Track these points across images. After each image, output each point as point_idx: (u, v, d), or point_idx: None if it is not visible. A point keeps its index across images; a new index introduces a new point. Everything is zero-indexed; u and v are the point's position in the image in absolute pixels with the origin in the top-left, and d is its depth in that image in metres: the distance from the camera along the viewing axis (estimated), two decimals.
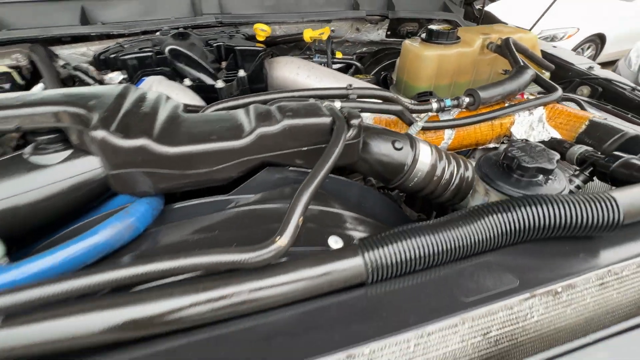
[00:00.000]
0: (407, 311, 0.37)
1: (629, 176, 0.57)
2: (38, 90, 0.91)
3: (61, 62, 0.95)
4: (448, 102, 0.74)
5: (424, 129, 0.73)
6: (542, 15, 1.25)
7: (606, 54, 4.97)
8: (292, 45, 1.16)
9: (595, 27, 4.83)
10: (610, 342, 0.41)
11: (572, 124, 0.72)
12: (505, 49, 0.90)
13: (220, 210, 0.51)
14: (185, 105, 0.62)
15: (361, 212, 0.58)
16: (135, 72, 0.87)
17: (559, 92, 0.76)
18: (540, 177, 0.53)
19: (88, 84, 0.89)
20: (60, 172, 0.51)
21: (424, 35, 0.98)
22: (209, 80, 0.81)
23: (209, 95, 0.79)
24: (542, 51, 1.11)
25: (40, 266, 0.38)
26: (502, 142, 0.80)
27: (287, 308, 0.36)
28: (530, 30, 1.14)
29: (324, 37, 0.95)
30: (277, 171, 0.56)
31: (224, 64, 0.93)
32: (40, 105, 0.47)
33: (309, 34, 0.97)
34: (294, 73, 0.91)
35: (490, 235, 0.42)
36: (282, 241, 0.37)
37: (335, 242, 0.46)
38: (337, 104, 0.68)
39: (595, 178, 0.64)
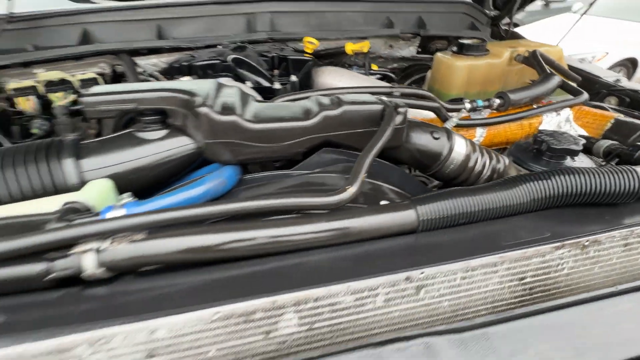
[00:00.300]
0: (453, 249, 0.45)
1: None
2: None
3: (139, 70, 1.13)
4: (480, 102, 0.84)
5: (458, 125, 0.83)
6: (567, 33, 1.34)
7: (639, 77, 4.92)
8: (332, 59, 1.31)
9: (626, 51, 4.83)
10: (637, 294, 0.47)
11: (598, 122, 0.79)
12: (532, 59, 0.99)
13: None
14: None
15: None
16: (203, 77, 1.03)
17: (585, 95, 0.84)
18: (568, 158, 0.61)
19: None
20: (161, 146, 0.64)
21: (454, 49, 1.09)
22: (266, 83, 0.95)
23: (266, 96, 0.93)
24: (568, 65, 1.19)
25: (166, 202, 0.50)
26: None
27: (357, 244, 0.46)
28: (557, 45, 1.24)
29: (365, 50, 1.09)
30: (331, 152, 0.67)
31: (276, 71, 1.08)
32: (158, 92, 0.61)
33: (350, 47, 1.11)
34: (337, 80, 1.04)
35: (519, 200, 0.50)
36: (352, 190, 0.47)
37: None
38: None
39: None
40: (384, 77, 1.25)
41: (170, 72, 1.09)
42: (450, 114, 0.83)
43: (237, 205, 0.45)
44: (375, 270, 0.41)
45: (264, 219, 0.46)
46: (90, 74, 1.10)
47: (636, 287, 0.48)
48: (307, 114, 0.62)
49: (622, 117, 0.78)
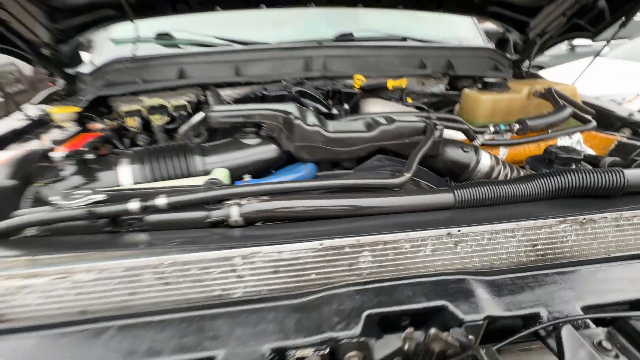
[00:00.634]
0: (481, 219, 0.63)
1: None
2: (200, 116, 1.38)
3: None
4: (502, 127, 1.04)
5: (483, 144, 1.03)
6: (584, 70, 1.55)
7: None
8: (374, 93, 1.57)
9: None
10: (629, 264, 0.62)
11: (603, 144, 0.96)
12: (547, 94, 1.20)
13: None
14: None
15: None
16: None
17: (593, 123, 1.03)
18: (573, 165, 0.79)
19: None
20: (257, 149, 0.89)
21: (480, 86, 1.32)
22: (324, 110, 1.21)
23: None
24: (583, 101, 1.38)
25: (278, 179, 0.73)
26: None
27: (414, 213, 0.66)
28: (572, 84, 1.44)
29: (403, 85, 1.34)
30: (381, 158, 0.89)
31: (330, 101, 1.34)
32: (263, 110, 0.87)
33: (391, 83, 1.37)
34: (381, 108, 1.28)
35: (529, 191, 0.68)
36: (408, 175, 0.68)
37: None
38: None
39: None
40: (417, 109, 1.48)
41: (246, 101, 1.38)
42: (477, 135, 1.04)
43: (328, 182, 0.67)
44: (426, 227, 0.61)
45: (347, 193, 0.67)
46: (181, 101, 1.42)
47: (627, 256, 0.63)
48: (368, 128, 0.85)
49: (624, 140, 0.95)
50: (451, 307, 0.52)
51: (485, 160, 0.93)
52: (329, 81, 1.48)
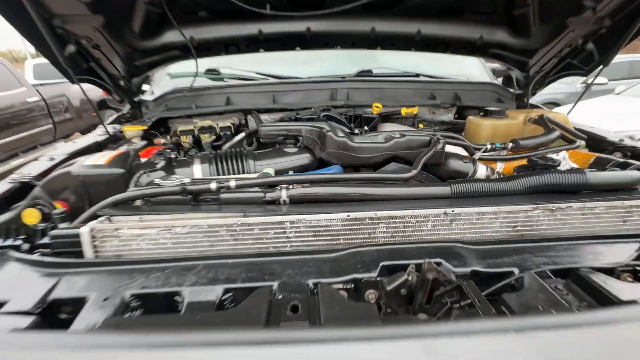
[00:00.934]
0: (471, 203, 0.83)
1: None
2: (241, 136, 1.67)
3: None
4: (498, 145, 1.25)
5: (481, 159, 1.24)
6: (579, 99, 1.76)
7: None
8: (390, 118, 1.83)
9: None
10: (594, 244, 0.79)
11: (585, 159, 1.15)
12: (540, 120, 1.41)
13: None
14: None
15: None
16: None
17: (577, 143, 1.22)
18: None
19: None
20: (295, 156, 1.14)
21: (482, 113, 1.55)
22: (347, 130, 1.47)
23: None
24: (576, 128, 1.58)
25: (315, 172, 0.97)
26: None
27: (419, 200, 0.86)
28: (568, 113, 1.65)
29: (415, 112, 1.59)
30: (395, 165, 1.12)
31: (352, 125, 1.60)
32: (302, 126, 1.13)
33: (404, 110, 1.63)
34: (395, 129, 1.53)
35: (510, 187, 0.88)
36: (414, 172, 0.90)
37: None
38: None
39: None
40: None
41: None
42: (475, 150, 1.25)
43: (354, 175, 0.90)
44: (428, 207, 0.81)
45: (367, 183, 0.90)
46: (227, 123, 1.72)
47: (591, 236, 0.80)
48: (385, 140, 1.09)
49: (602, 155, 1.13)
50: (445, 262, 0.72)
51: (482, 170, 1.13)
52: (351, 109, 1.76)
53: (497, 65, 2.38)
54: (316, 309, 0.56)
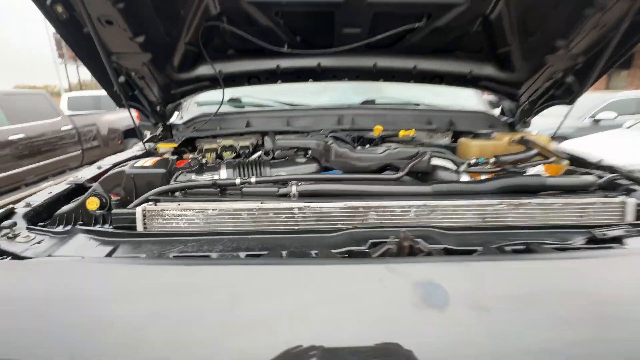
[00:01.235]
0: (448, 199, 1.02)
1: None
2: (258, 154, 1.92)
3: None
4: (481, 160, 1.45)
5: (467, 171, 1.43)
6: (562, 122, 1.95)
7: None
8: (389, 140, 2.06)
9: None
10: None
11: (557, 171, 1.33)
12: (522, 141, 1.61)
13: None
14: None
15: None
16: None
17: (552, 159, 1.41)
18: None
19: None
20: (305, 165, 1.36)
21: (471, 136, 1.77)
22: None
23: None
24: (559, 150, 1.76)
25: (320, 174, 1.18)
26: None
27: (406, 196, 1.06)
28: (553, 135, 1.85)
29: (412, 134, 1.81)
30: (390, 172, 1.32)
31: (355, 144, 1.84)
32: (310, 141, 1.36)
33: (402, 133, 1.85)
34: None
35: (481, 188, 1.07)
36: (401, 173, 1.10)
37: None
38: None
39: None
40: None
41: None
42: (461, 163, 1.45)
43: (351, 175, 1.10)
44: (411, 199, 1.00)
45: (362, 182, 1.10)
46: (246, 143, 1.98)
47: (550, 226, 0.96)
48: (380, 151, 1.30)
49: (571, 168, 1.31)
50: (422, 242, 0.89)
51: (464, 179, 1.32)
52: (355, 131, 2.01)
53: (493, 97, 2.64)
54: None
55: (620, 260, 0.74)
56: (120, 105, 1.82)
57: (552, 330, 0.52)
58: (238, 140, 2.00)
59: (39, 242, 0.89)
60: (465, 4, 1.61)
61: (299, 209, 0.97)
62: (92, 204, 1.09)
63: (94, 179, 1.46)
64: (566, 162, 1.57)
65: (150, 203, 1.01)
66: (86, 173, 1.54)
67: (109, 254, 0.85)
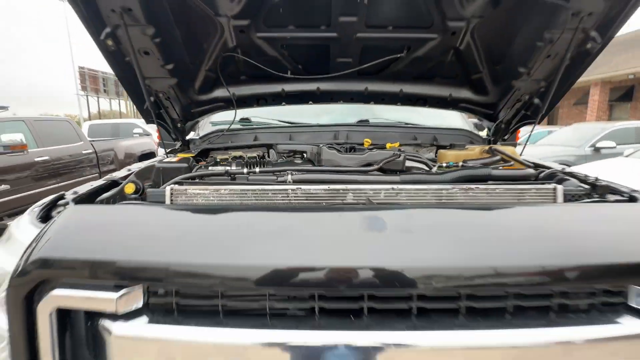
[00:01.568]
0: (412, 184, 1.28)
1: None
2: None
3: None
4: (451, 163, 1.72)
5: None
6: (531, 131, 2.23)
7: None
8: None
9: None
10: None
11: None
12: (490, 150, 1.88)
13: None
14: None
15: None
16: None
17: (510, 163, 1.67)
18: None
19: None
20: (301, 165, 1.66)
21: (448, 147, 2.05)
22: None
23: None
24: (525, 159, 2.02)
25: (313, 168, 1.48)
26: None
27: (377, 183, 1.33)
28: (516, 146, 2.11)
29: (397, 146, 2.11)
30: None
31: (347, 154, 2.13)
32: (309, 145, 1.66)
33: (389, 145, 2.15)
34: None
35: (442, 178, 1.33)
36: (375, 167, 1.38)
37: None
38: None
39: None
40: None
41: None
42: (432, 165, 1.73)
43: (336, 168, 1.39)
44: (382, 184, 1.27)
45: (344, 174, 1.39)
46: (253, 154, 2.30)
47: (495, 205, 1.20)
48: (362, 153, 1.59)
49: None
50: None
51: None
52: (348, 145, 2.31)
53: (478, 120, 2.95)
54: None
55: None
56: (149, 121, 2.18)
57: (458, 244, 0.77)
58: (247, 152, 2.32)
59: None
60: (437, 38, 1.97)
61: (292, 190, 1.24)
62: (130, 188, 1.39)
63: (124, 178, 1.77)
64: (531, 171, 1.83)
65: (176, 185, 1.30)
66: (119, 173, 1.86)
67: None
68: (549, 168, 1.85)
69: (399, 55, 2.09)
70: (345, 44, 2.00)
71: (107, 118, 19.95)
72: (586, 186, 1.36)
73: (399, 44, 2.04)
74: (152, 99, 2.12)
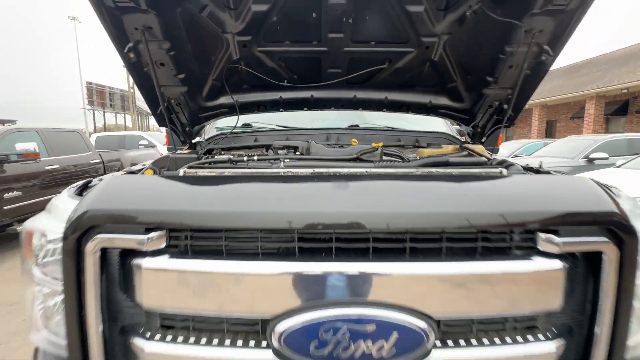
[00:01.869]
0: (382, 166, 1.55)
1: None
2: None
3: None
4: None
5: None
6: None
7: None
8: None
9: None
10: None
11: None
12: (461, 148, 2.16)
13: None
14: None
15: None
16: None
17: (476, 158, 1.94)
18: None
19: None
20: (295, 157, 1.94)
21: (425, 146, 2.33)
22: None
23: None
24: (492, 156, 2.29)
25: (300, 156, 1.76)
26: None
27: (354, 168, 1.60)
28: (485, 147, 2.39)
29: (380, 145, 2.39)
30: None
31: None
32: (301, 142, 1.95)
33: (374, 144, 2.43)
34: None
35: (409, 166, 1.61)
36: (354, 156, 1.65)
37: None
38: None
39: None
40: None
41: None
42: (408, 158, 2.00)
43: (320, 157, 1.67)
44: (358, 168, 1.54)
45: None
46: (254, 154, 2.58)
47: (437, 176, 1.47)
48: (344, 148, 1.87)
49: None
50: None
51: None
52: (339, 145, 2.60)
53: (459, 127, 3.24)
54: None
55: None
56: (161, 123, 2.48)
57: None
58: (247, 152, 2.60)
59: None
60: (414, 51, 2.28)
61: (284, 172, 1.51)
62: (149, 173, 1.66)
63: (140, 170, 2.05)
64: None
65: (187, 169, 1.58)
66: (135, 167, 2.14)
67: None
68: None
69: (382, 67, 2.40)
70: (334, 57, 2.31)
71: (110, 131, 20.44)
72: (528, 171, 1.62)
73: (382, 56, 2.35)
74: (165, 104, 2.43)
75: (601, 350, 1.05)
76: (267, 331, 1.02)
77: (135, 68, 2.16)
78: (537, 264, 1.03)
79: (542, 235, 1.04)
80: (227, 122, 2.95)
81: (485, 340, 1.05)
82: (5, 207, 5.50)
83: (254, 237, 1.05)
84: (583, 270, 1.08)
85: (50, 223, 1.32)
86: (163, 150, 10.02)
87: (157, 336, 1.08)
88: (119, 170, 8.17)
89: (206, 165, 1.68)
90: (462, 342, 1.05)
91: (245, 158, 1.66)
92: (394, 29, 2.13)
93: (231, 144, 2.70)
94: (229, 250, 1.06)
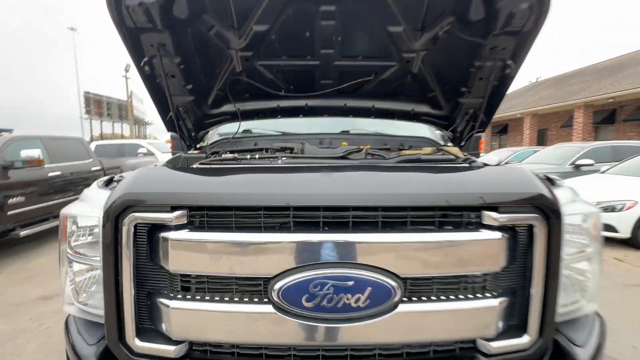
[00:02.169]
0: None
1: None
2: None
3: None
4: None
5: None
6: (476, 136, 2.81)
7: None
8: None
9: None
10: None
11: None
12: (439, 149, 2.46)
13: None
14: None
15: None
16: None
17: (445, 155, 2.24)
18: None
19: None
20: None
21: (407, 148, 2.64)
22: None
23: None
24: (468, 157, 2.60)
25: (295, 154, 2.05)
26: None
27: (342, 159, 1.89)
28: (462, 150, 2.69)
29: (368, 147, 2.68)
30: None
31: None
32: (297, 143, 2.25)
33: (362, 146, 2.73)
34: None
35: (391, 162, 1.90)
36: (341, 154, 1.95)
37: None
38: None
39: None
40: None
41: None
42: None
43: (313, 154, 1.96)
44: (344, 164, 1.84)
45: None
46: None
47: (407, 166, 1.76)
48: (337, 148, 2.17)
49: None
50: None
51: None
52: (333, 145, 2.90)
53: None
54: None
55: None
56: (170, 129, 2.77)
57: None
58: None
59: None
60: (396, 65, 2.60)
61: (282, 163, 1.80)
62: None
63: None
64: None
65: (198, 165, 1.86)
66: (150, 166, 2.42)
67: None
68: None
69: (368, 78, 2.72)
70: (326, 70, 2.63)
71: (106, 139, 20.68)
72: (487, 165, 1.93)
73: (368, 69, 2.67)
74: (174, 112, 2.72)
75: (536, 307, 1.33)
76: (268, 289, 1.29)
77: (150, 79, 2.46)
78: (482, 234, 1.31)
79: (485, 212, 1.33)
80: (229, 129, 3.24)
81: (442, 297, 1.33)
82: (9, 213, 5.71)
83: (258, 214, 1.33)
84: (522, 241, 1.37)
85: (84, 209, 1.59)
86: (162, 158, 10.27)
87: (179, 295, 1.34)
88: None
89: (216, 161, 1.96)
90: (424, 298, 1.32)
91: (248, 156, 1.95)
92: (378, 45, 2.46)
93: (232, 147, 2.98)
94: (238, 224, 1.34)
